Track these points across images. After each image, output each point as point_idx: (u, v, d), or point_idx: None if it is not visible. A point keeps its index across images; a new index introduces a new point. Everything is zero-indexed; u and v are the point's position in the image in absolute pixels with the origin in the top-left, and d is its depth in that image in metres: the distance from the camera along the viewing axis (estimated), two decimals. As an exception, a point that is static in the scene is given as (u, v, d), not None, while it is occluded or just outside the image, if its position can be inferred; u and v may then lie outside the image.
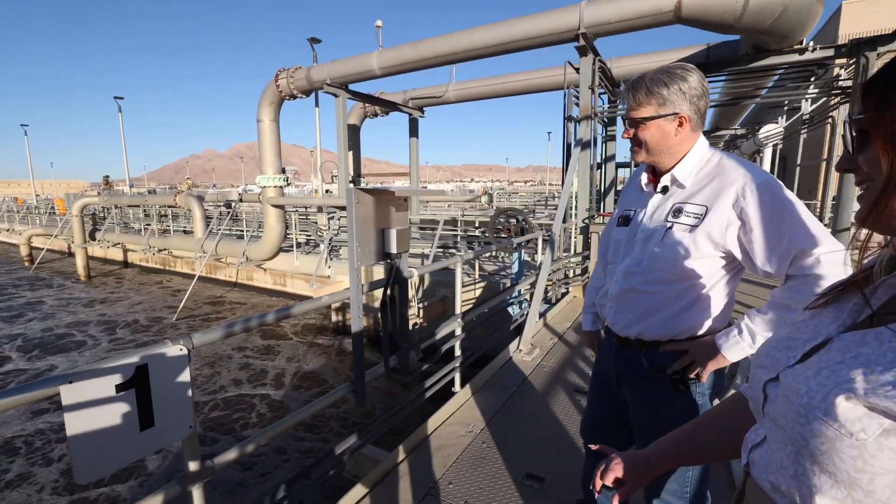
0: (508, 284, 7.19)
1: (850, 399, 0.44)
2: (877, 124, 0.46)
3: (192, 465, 1.36)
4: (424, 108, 12.30)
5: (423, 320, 7.45)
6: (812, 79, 6.90)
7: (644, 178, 1.29)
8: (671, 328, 1.20)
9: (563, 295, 5.62)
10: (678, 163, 1.19)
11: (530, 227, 8.47)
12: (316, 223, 12.87)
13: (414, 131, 12.65)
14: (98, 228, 16.98)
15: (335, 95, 9.47)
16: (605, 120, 7.91)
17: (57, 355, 8.77)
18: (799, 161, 10.10)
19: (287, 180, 11.15)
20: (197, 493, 1.38)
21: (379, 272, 8.59)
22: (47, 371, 8.07)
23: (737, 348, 1.12)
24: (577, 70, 6.14)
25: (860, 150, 0.50)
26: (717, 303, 1.19)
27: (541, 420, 2.69)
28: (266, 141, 10.63)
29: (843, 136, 0.52)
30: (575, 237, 6.43)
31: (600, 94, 6.87)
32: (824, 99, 7.27)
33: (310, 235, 12.88)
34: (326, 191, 15.16)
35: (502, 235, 8.74)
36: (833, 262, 1.00)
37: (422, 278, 8.03)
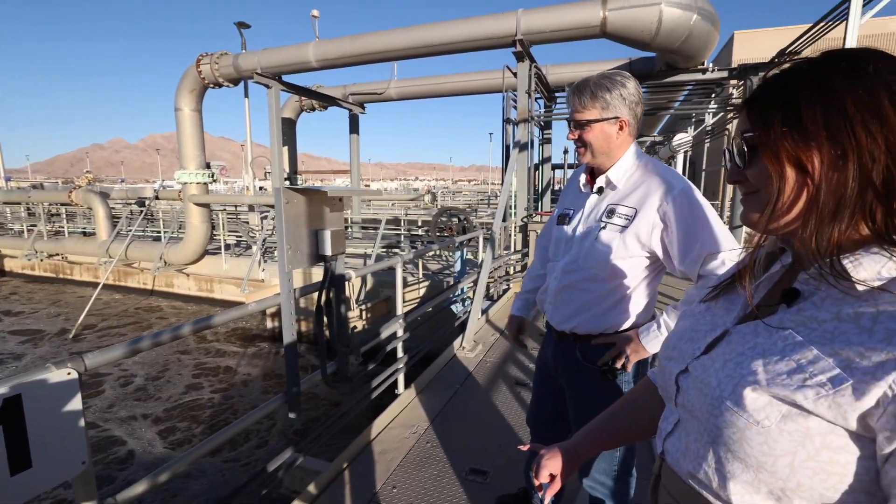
0: (452, 283, 7.25)
1: (755, 390, 0.48)
2: (764, 141, 0.50)
3: (88, 507, 1.17)
4: (365, 105, 12.04)
5: (366, 322, 7.31)
6: (712, 95, 7.78)
7: (583, 178, 1.35)
8: (602, 323, 1.28)
9: (504, 291, 5.77)
10: (614, 165, 1.26)
11: (472, 226, 8.60)
12: (247, 223, 12.07)
13: (354, 128, 12.34)
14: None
15: (267, 86, 8.93)
16: (542, 123, 8.23)
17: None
18: (704, 166, 11.36)
19: (213, 176, 10.26)
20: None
21: (318, 274, 8.29)
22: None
23: (656, 341, 1.21)
24: (515, 75, 6.33)
25: (749, 163, 0.53)
26: (642, 300, 1.29)
27: (484, 415, 2.73)
28: (186, 132, 9.71)
29: (729, 150, 0.56)
30: (514, 235, 6.63)
31: (536, 98, 7.14)
32: (722, 113, 8.18)
33: (240, 236, 12.02)
34: (259, 188, 14.34)
35: (445, 234, 8.80)
36: (732, 261, 1.10)
37: (364, 279, 7.87)
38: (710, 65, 6.66)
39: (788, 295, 0.52)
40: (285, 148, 11.42)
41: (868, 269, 0.46)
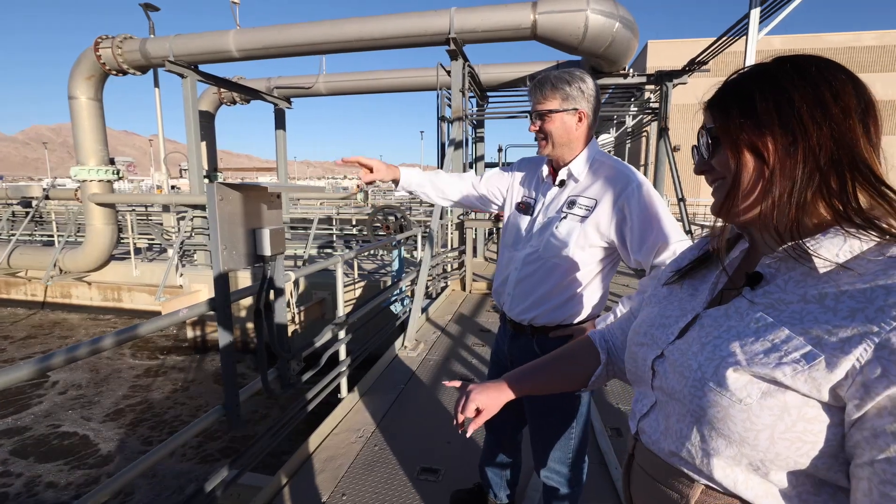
0: (390, 282, 7.15)
1: (736, 370, 0.51)
2: (724, 132, 0.56)
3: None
4: (292, 100, 11.47)
5: (300, 326, 6.98)
6: (632, 99, 8.39)
7: (545, 170, 1.37)
8: (559, 315, 1.31)
9: (443, 289, 5.81)
10: (575, 158, 1.29)
11: (409, 225, 8.55)
12: (161, 224, 10.96)
13: (280, 123, 11.68)
14: None
15: (181, 76, 8.16)
16: (475, 122, 8.38)
17: None
18: (627, 165, 12.20)
19: (118, 173, 9.17)
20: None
21: (242, 278, 7.78)
22: None
23: None
24: (449, 73, 6.37)
25: (713, 154, 0.59)
26: (598, 292, 1.33)
27: (431, 413, 2.73)
28: (84, 124, 8.52)
29: (697, 146, 0.61)
30: (451, 233, 6.70)
31: (470, 97, 7.25)
32: (640, 116, 8.86)
33: (153, 239, 10.88)
34: (173, 187, 13.07)
35: (381, 233, 8.65)
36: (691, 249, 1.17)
37: (297, 281, 7.51)
38: (631, 70, 7.11)
39: (752, 278, 0.56)
40: (203, 143, 10.53)
41: (827, 250, 0.50)
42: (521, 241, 1.38)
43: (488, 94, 8.21)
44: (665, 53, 19.68)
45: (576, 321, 1.31)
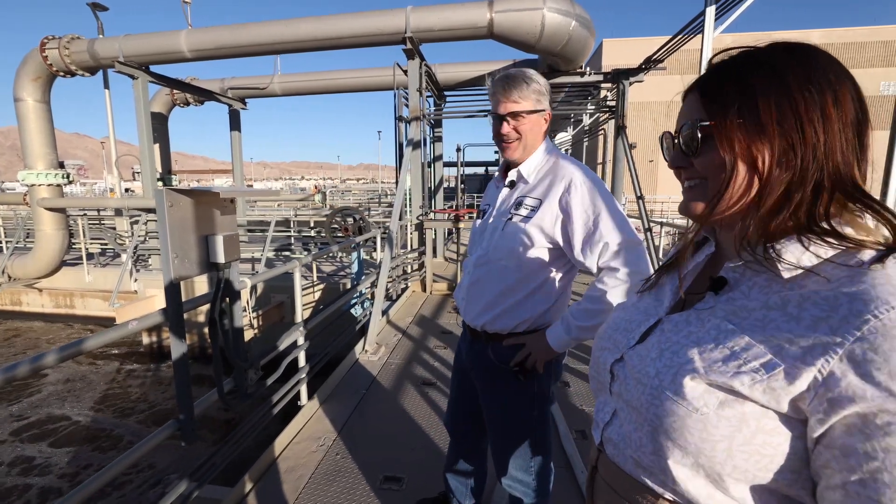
0: (349, 285, 7.05)
1: (694, 378, 0.49)
2: (720, 132, 0.50)
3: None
4: (247, 100, 11.08)
5: (258, 331, 6.75)
6: (589, 97, 8.61)
7: (497, 173, 1.37)
8: (511, 320, 1.27)
9: (404, 290, 5.79)
10: (526, 159, 1.27)
11: (368, 226, 8.45)
12: (114, 229, 10.37)
13: (235, 124, 11.25)
14: None
15: (132, 77, 7.75)
16: (433, 122, 8.39)
17: None
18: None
19: (68, 177, 8.73)
20: None
21: (200, 283, 7.44)
22: None
23: (562, 341, 1.19)
24: (406, 72, 6.35)
25: (699, 152, 0.53)
26: (553, 295, 1.26)
27: (394, 419, 2.70)
28: (31, 127, 8.18)
29: (675, 137, 0.56)
30: (411, 233, 6.68)
31: (428, 96, 7.25)
32: (597, 115, 9.11)
33: (106, 244, 10.29)
34: (126, 190, 12.32)
35: (340, 235, 8.50)
36: (631, 253, 1.12)
37: (254, 285, 7.25)
38: (587, 68, 7.21)
39: (716, 283, 0.54)
40: (156, 145, 10.02)
41: (792, 254, 0.48)
42: (475, 245, 1.36)
43: (446, 93, 8.25)
44: (620, 52, 19.96)
45: (530, 326, 1.27)
